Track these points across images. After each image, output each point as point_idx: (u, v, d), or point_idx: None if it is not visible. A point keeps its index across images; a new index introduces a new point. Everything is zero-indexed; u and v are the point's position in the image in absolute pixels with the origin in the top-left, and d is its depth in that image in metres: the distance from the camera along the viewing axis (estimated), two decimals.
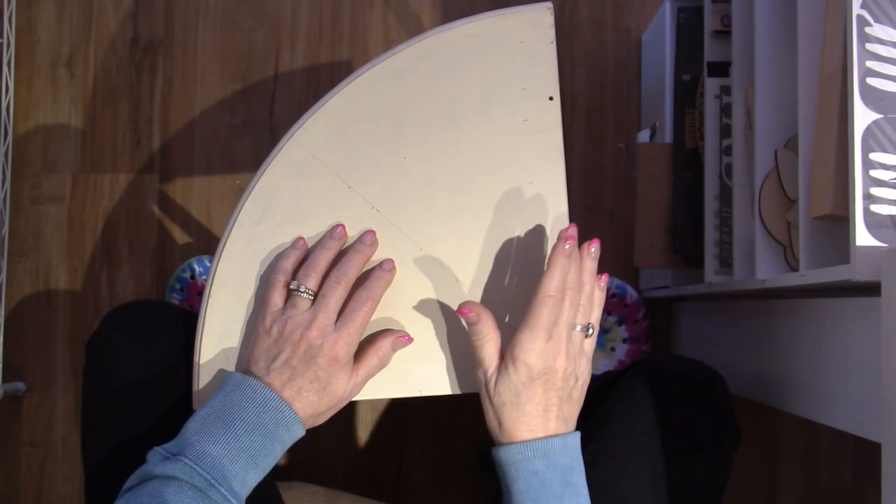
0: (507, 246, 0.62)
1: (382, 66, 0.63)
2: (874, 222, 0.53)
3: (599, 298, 0.59)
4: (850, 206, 0.54)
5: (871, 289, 0.53)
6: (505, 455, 0.56)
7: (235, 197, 1.16)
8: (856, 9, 0.55)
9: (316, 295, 0.58)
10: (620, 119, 1.16)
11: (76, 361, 1.15)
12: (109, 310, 0.70)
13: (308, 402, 0.57)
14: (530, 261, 0.61)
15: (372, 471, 1.14)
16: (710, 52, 0.88)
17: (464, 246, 0.62)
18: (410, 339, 0.61)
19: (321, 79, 1.18)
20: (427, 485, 1.14)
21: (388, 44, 1.18)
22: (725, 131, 0.85)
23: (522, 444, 0.55)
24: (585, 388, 0.59)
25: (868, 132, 0.54)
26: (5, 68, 1.15)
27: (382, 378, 0.61)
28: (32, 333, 1.16)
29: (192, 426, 0.55)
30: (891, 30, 0.54)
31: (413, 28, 1.18)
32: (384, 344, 0.60)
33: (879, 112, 0.54)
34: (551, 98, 0.62)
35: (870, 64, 0.54)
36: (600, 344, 1.09)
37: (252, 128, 1.17)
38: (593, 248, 0.59)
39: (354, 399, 0.60)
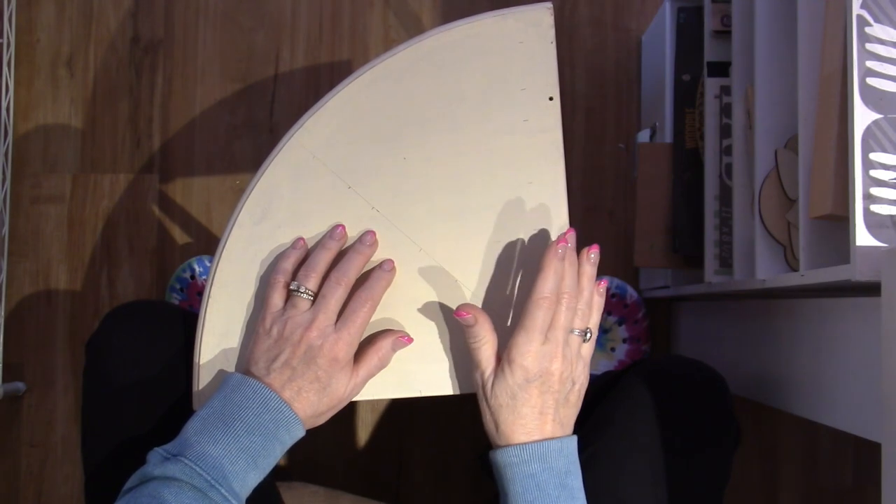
0: (508, 246, 0.62)
1: (382, 66, 0.63)
2: (874, 222, 0.53)
3: (599, 304, 0.59)
4: (850, 206, 0.54)
5: (871, 289, 0.53)
6: (501, 457, 0.56)
7: (235, 197, 1.16)
8: (856, 9, 0.55)
9: (316, 295, 0.58)
10: (620, 119, 1.16)
11: (76, 361, 1.15)
12: (109, 310, 0.70)
13: (308, 402, 0.57)
14: (531, 261, 0.61)
15: (372, 471, 1.14)
16: (710, 52, 0.88)
17: (464, 246, 0.62)
18: (410, 340, 0.61)
19: (321, 79, 1.18)
20: (427, 485, 1.14)
21: (388, 44, 1.18)
22: (725, 131, 0.85)
23: (519, 447, 0.55)
24: (583, 392, 0.59)
25: (868, 132, 0.54)
26: (5, 68, 1.15)
27: (382, 378, 0.61)
28: (32, 333, 1.16)
29: (192, 427, 0.55)
30: (891, 30, 0.54)
31: (413, 28, 1.18)
32: (384, 344, 0.60)
33: (879, 112, 0.54)
34: (551, 98, 0.62)
35: (870, 64, 0.54)
36: (600, 344, 1.10)
37: (252, 128, 1.17)
38: (592, 254, 0.59)
39: (354, 399, 0.60)
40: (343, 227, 0.61)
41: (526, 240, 0.62)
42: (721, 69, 0.86)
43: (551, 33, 0.62)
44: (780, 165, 0.71)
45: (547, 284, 0.55)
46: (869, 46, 0.54)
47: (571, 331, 0.57)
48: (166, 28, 1.18)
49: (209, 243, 1.16)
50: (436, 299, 0.62)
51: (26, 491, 1.15)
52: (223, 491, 0.52)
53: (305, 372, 0.57)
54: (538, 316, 0.55)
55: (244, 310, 0.62)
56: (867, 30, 0.54)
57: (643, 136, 1.07)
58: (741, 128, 0.79)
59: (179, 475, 0.51)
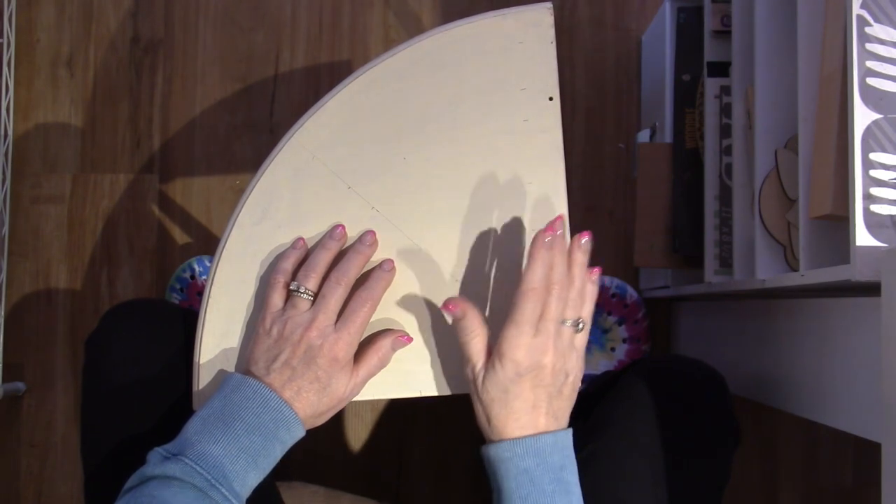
0: (508, 246, 0.62)
1: (382, 66, 0.63)
2: (874, 222, 0.53)
3: (591, 293, 0.58)
4: (850, 206, 0.54)
5: (871, 289, 0.53)
6: (494, 452, 0.55)
7: (235, 197, 1.16)
8: (856, 9, 0.55)
9: (316, 295, 0.58)
10: (620, 119, 1.16)
11: (76, 361, 1.15)
12: (109, 308, 0.69)
13: (308, 402, 0.57)
14: None
15: (372, 471, 1.14)
16: (710, 52, 0.88)
17: (464, 246, 0.62)
18: (410, 339, 0.61)
19: (321, 79, 1.18)
20: (427, 485, 1.14)
21: (388, 44, 1.18)
22: (725, 131, 0.85)
23: (512, 442, 0.55)
24: (577, 384, 0.58)
25: (868, 132, 0.54)
26: (5, 68, 1.15)
27: (382, 378, 0.61)
28: (32, 333, 1.16)
29: (192, 426, 0.55)
30: (891, 30, 0.54)
31: (413, 28, 1.18)
32: (384, 344, 0.60)
33: (879, 112, 0.54)
34: (551, 98, 0.62)
35: (870, 64, 0.54)
36: (600, 344, 1.09)
37: (252, 128, 1.17)
38: (584, 240, 0.57)
39: (354, 399, 0.60)
40: (343, 227, 0.61)
41: (526, 240, 0.62)
42: (721, 69, 0.86)
43: (551, 33, 0.62)
44: (780, 165, 0.71)
45: (534, 275, 0.54)
46: (869, 46, 0.54)
47: (563, 321, 0.55)
48: (166, 28, 1.18)
49: (209, 243, 1.16)
50: (436, 299, 0.62)
51: (26, 491, 1.15)
52: (224, 490, 0.52)
53: (305, 372, 0.57)
54: (526, 308, 0.54)
55: (244, 310, 0.62)
56: (867, 30, 0.54)
57: (643, 136, 1.07)
58: (741, 128, 0.79)
59: (180, 475, 0.51)
